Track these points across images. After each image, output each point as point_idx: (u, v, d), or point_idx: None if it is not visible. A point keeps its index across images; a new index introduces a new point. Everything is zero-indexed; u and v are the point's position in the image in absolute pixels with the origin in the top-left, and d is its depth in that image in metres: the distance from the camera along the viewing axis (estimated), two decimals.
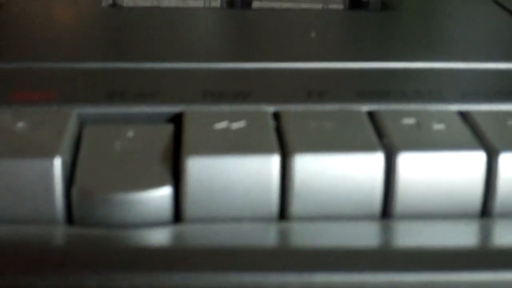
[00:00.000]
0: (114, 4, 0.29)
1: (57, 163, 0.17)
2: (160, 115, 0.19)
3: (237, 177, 0.17)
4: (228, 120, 0.19)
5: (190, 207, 0.17)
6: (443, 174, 0.17)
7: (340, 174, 0.17)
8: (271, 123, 0.19)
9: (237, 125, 0.18)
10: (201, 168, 0.17)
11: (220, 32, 0.25)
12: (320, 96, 0.20)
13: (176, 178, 0.17)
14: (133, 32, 0.25)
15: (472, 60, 0.23)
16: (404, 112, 0.19)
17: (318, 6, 0.31)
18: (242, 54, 0.23)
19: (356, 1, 0.31)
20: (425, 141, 0.18)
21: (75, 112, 0.19)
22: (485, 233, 0.17)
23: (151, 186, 0.17)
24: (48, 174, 0.17)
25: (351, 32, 0.26)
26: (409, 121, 0.19)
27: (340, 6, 0.31)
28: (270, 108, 0.20)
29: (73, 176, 0.17)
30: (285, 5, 0.31)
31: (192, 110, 0.19)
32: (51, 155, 0.17)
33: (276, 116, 0.19)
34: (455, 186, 0.18)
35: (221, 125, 0.18)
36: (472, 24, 0.27)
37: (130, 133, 0.19)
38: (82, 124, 0.19)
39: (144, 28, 0.25)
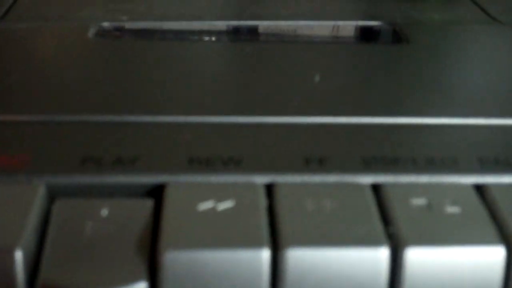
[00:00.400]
0: (103, 32, 0.27)
1: (18, 257, 0.15)
2: (140, 187, 0.18)
3: (221, 274, 0.15)
4: (215, 198, 0.17)
5: None
6: (456, 270, 0.16)
7: (339, 271, 0.16)
8: (263, 202, 0.17)
9: (224, 205, 0.17)
10: (180, 263, 0.15)
11: (214, 75, 0.24)
12: (320, 163, 0.19)
13: (153, 271, 0.16)
14: (117, 74, 0.23)
15: (492, 115, 0.21)
16: (414, 189, 0.18)
17: (328, 29, 0.30)
18: (236, 105, 0.21)
19: (367, 28, 0.29)
20: (437, 232, 0.16)
21: (45, 183, 0.17)
22: None
23: (124, 282, 0.15)
24: (8, 268, 0.15)
25: (358, 75, 0.24)
26: (419, 201, 0.17)
27: (351, 29, 0.30)
28: (263, 179, 0.18)
29: (38, 266, 0.16)
30: (292, 25, 0.30)
31: (176, 182, 0.18)
32: (11, 248, 0.15)
33: (270, 189, 0.18)
34: (469, 285, 0.16)
35: (207, 205, 0.17)
36: (493, 65, 0.25)
37: (105, 211, 0.17)
38: (52, 196, 0.17)
39: (130, 68, 0.23)
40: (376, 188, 0.18)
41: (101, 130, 0.20)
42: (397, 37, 0.28)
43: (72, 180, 0.18)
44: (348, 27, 0.29)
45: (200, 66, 0.24)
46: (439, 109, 0.22)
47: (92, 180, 0.18)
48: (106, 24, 0.28)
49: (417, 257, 0.16)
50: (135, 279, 0.15)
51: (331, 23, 0.30)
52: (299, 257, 0.15)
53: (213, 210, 0.17)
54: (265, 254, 0.15)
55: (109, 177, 0.18)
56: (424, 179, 0.18)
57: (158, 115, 0.20)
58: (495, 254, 0.16)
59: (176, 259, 0.15)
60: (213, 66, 0.24)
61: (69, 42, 0.26)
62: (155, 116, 0.20)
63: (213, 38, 0.29)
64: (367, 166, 0.19)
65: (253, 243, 0.16)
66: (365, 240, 0.16)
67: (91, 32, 0.26)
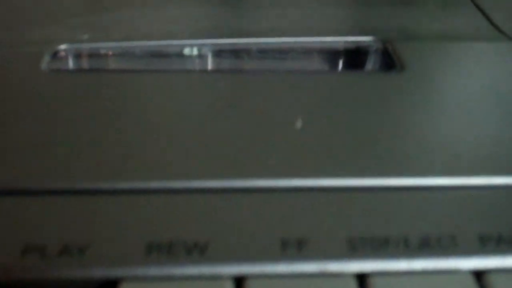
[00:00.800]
0: (59, 59, 0.25)
1: None
2: (90, 283, 0.16)
3: None
4: None
5: None
6: None
7: None
8: None
9: None
10: None
11: (180, 123, 0.21)
12: (299, 247, 0.17)
13: None
14: (68, 122, 0.20)
15: (498, 171, 0.19)
16: (405, 282, 0.16)
17: (316, 42, 0.27)
18: (202, 165, 0.19)
19: (355, 50, 0.27)
20: None
21: None
22: None
23: None
24: None
25: (342, 120, 0.21)
26: None
27: (338, 48, 0.27)
28: (233, 270, 0.16)
29: None
30: (274, 42, 0.27)
31: (131, 279, 0.16)
32: None
33: (239, 283, 0.16)
34: None
35: None
36: (504, 101, 0.23)
37: None
38: None
39: (82, 116, 0.21)
40: (362, 279, 0.16)
41: (46, 203, 0.18)
42: (390, 59, 0.25)
43: (12, 276, 0.16)
44: (334, 46, 0.27)
45: (163, 111, 0.22)
46: (437, 165, 0.19)
47: (35, 275, 0.16)
48: (63, 48, 0.25)
49: None
50: None
51: (317, 39, 0.27)
52: None
53: None
54: None
55: (54, 272, 0.16)
56: (417, 264, 0.16)
57: (112, 181, 0.18)
58: None
59: None
60: (180, 111, 0.22)
61: (15, 78, 0.23)
62: (109, 182, 0.18)
63: (188, 65, 0.26)
64: (353, 250, 0.17)
65: None
66: None
67: (44, 61, 0.24)
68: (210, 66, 0.27)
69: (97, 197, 0.18)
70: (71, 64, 0.25)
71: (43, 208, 0.17)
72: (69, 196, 0.18)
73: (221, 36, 0.27)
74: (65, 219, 0.17)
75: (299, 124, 0.21)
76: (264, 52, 0.27)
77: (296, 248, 0.17)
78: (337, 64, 0.27)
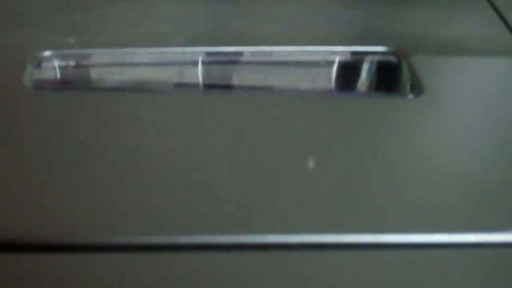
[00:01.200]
0: (43, 69, 0.22)
1: None
2: None
3: None
4: None
5: None
6: None
7: None
8: None
9: None
10: None
11: (173, 163, 0.19)
12: None
13: None
14: (43, 158, 0.18)
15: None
16: None
17: (321, 53, 0.25)
18: (202, 217, 0.17)
19: (365, 63, 0.25)
20: None
21: None
22: None
23: None
24: None
25: (357, 161, 0.19)
26: None
27: (347, 52, 0.25)
28: None
29: None
30: (282, 50, 0.25)
31: None
32: None
33: None
34: None
35: None
36: None
37: None
38: None
39: (69, 148, 0.19)
40: None
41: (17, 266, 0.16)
42: (406, 77, 0.23)
43: None
44: (343, 59, 0.25)
45: (155, 147, 0.19)
46: (458, 219, 0.18)
47: None
48: (48, 55, 0.23)
49: None
50: None
51: (322, 48, 0.25)
52: None
53: None
54: None
55: None
56: None
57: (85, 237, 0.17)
58: None
59: None
60: (174, 146, 0.19)
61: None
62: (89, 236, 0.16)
63: (180, 73, 0.24)
64: None
65: None
66: None
67: (27, 73, 0.21)
68: (201, 76, 0.25)
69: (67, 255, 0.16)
70: (57, 75, 0.23)
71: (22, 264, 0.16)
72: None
73: (216, 43, 0.25)
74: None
75: (311, 164, 0.19)
76: (264, 64, 0.25)
77: None
78: (346, 80, 0.25)
